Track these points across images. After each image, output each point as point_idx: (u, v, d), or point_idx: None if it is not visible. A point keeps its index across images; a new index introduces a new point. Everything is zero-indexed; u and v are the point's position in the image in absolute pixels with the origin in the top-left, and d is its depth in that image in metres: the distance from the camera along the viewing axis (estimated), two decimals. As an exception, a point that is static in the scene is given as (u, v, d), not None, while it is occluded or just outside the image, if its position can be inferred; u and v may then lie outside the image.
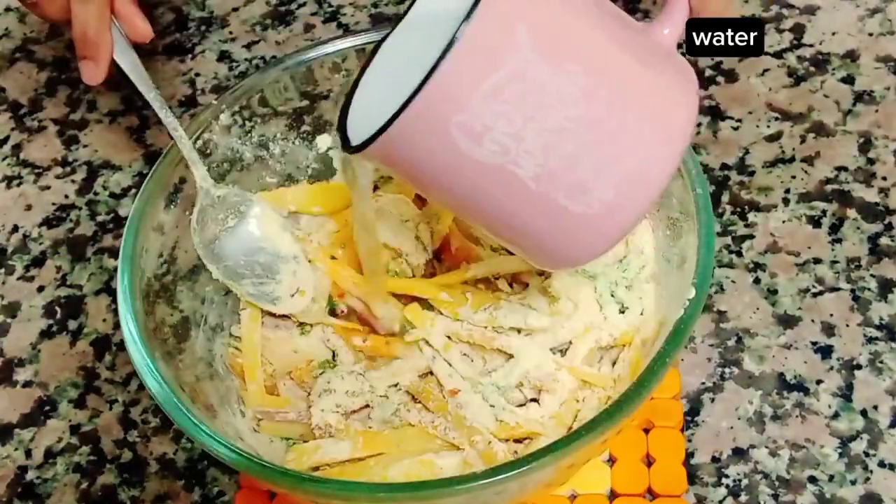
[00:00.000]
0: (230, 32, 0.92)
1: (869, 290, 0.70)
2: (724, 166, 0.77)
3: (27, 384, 0.72)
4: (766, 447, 0.64)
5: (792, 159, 0.77)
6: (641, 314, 0.63)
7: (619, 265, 0.64)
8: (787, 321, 0.69)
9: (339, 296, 0.65)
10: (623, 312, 0.63)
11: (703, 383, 0.67)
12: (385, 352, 0.63)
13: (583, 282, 0.64)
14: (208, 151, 0.64)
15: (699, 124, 0.80)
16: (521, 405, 0.62)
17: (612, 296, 0.64)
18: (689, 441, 0.65)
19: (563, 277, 0.64)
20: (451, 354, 0.62)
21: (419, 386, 0.61)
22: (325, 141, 0.70)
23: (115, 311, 0.71)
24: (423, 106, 0.43)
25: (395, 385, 0.62)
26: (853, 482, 0.62)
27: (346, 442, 0.59)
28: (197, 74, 0.89)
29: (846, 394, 0.66)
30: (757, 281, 0.71)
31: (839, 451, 0.64)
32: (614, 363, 0.62)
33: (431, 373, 0.62)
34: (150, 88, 0.62)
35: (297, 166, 0.70)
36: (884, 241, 0.72)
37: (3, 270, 0.79)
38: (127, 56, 0.63)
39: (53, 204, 0.82)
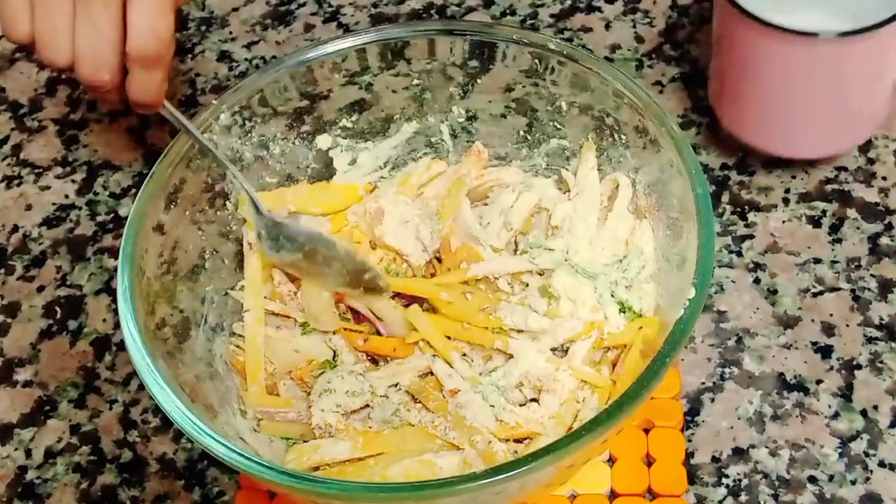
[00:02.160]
0: (230, 32, 0.92)
1: (869, 290, 0.70)
2: (724, 166, 0.77)
3: (27, 384, 0.72)
4: (766, 447, 0.64)
5: (792, 159, 0.77)
6: (641, 314, 0.63)
7: (619, 265, 0.64)
8: (787, 321, 0.69)
9: (337, 300, 0.65)
10: (623, 312, 0.63)
11: (703, 383, 0.67)
12: (385, 350, 0.63)
13: (583, 282, 0.64)
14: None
15: (699, 124, 0.80)
16: (521, 405, 0.62)
17: (612, 296, 0.64)
18: (689, 441, 0.65)
19: (564, 277, 0.64)
20: (450, 355, 0.62)
21: (419, 386, 0.61)
22: (325, 141, 0.70)
23: (115, 311, 0.71)
24: None
25: (395, 385, 0.62)
26: (853, 482, 0.62)
27: (346, 442, 0.59)
28: (197, 74, 0.89)
29: (846, 394, 0.66)
30: (757, 281, 0.71)
31: (839, 451, 0.64)
32: (614, 364, 0.62)
33: (431, 373, 0.62)
34: (195, 132, 0.62)
35: (297, 166, 0.70)
36: (884, 241, 0.72)
37: (3, 270, 0.79)
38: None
39: (53, 204, 0.82)
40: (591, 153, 0.67)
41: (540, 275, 0.65)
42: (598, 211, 0.67)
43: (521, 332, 0.63)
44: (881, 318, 0.69)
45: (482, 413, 0.60)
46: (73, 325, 0.75)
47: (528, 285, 0.65)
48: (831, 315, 0.69)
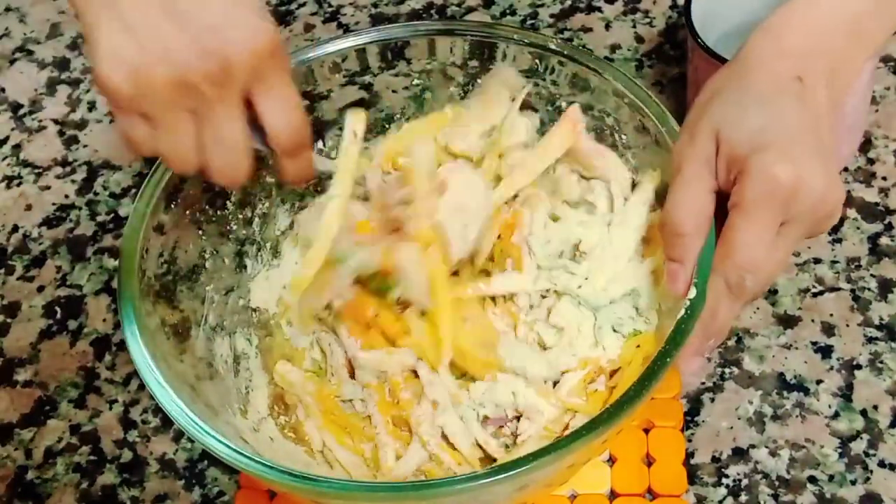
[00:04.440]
0: (230, 32, 0.91)
1: (869, 290, 0.70)
2: (724, 166, 0.77)
3: (27, 384, 0.72)
4: (766, 447, 0.64)
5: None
6: (642, 334, 0.62)
7: (631, 296, 0.63)
8: (787, 321, 0.69)
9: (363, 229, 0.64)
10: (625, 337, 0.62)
11: (703, 383, 0.67)
12: (390, 332, 0.63)
13: (586, 314, 0.63)
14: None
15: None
16: (500, 427, 0.62)
17: (615, 330, 0.62)
18: (689, 441, 0.65)
19: (567, 309, 0.63)
20: (440, 368, 0.62)
21: (396, 381, 0.62)
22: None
23: (115, 311, 0.71)
24: None
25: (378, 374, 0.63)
26: (853, 482, 0.62)
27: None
28: (197, 74, 0.89)
29: (846, 394, 0.66)
30: (757, 281, 0.71)
31: (839, 451, 0.64)
32: (612, 373, 0.62)
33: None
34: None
35: (297, 166, 0.70)
36: (884, 241, 0.72)
37: (3, 270, 0.79)
38: None
39: (53, 204, 0.82)
40: (650, 185, 0.63)
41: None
42: (633, 246, 0.63)
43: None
44: (881, 318, 0.69)
45: (460, 434, 0.60)
46: (73, 325, 0.75)
47: (545, 297, 0.64)
48: (831, 315, 0.69)
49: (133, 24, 0.49)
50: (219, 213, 0.66)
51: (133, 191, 0.82)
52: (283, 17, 0.92)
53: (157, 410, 0.69)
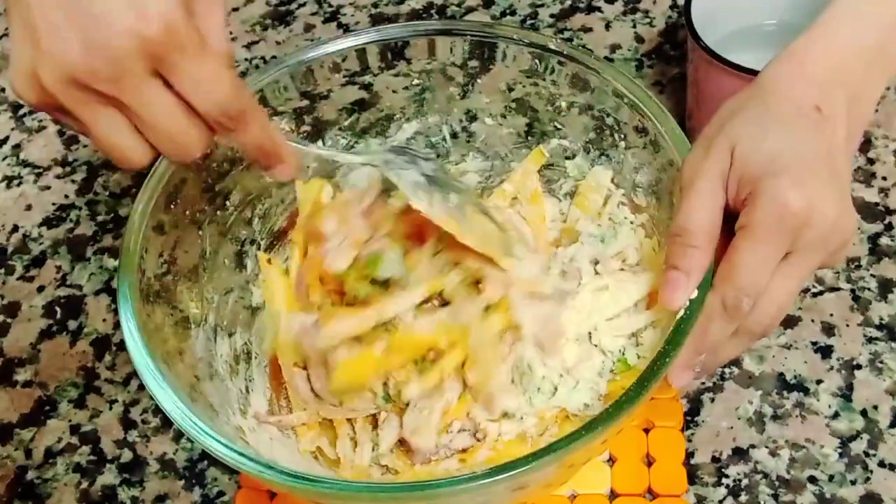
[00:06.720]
0: (230, 32, 0.92)
1: (869, 290, 0.70)
2: (724, 166, 0.77)
3: (27, 384, 0.72)
4: (766, 447, 0.64)
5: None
6: (631, 367, 0.61)
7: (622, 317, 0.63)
8: (787, 321, 0.69)
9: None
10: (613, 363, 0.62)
11: (703, 383, 0.67)
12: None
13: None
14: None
15: (699, 124, 0.80)
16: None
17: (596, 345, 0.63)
18: (689, 441, 0.65)
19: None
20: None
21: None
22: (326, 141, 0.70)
23: (115, 311, 0.71)
24: None
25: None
26: (853, 482, 0.62)
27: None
28: (197, 74, 0.89)
29: (846, 394, 0.66)
30: (757, 281, 0.71)
31: (839, 451, 0.64)
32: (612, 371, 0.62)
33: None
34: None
35: (296, 166, 0.70)
36: (884, 241, 0.72)
37: (3, 270, 0.79)
38: None
39: (53, 204, 0.82)
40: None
41: None
42: (615, 264, 0.64)
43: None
44: (881, 318, 0.69)
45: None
46: (73, 325, 0.75)
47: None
48: (831, 315, 0.69)
49: (32, 23, 0.45)
50: (219, 213, 0.66)
51: (133, 191, 0.82)
52: (283, 17, 0.92)
53: (157, 410, 0.69)
